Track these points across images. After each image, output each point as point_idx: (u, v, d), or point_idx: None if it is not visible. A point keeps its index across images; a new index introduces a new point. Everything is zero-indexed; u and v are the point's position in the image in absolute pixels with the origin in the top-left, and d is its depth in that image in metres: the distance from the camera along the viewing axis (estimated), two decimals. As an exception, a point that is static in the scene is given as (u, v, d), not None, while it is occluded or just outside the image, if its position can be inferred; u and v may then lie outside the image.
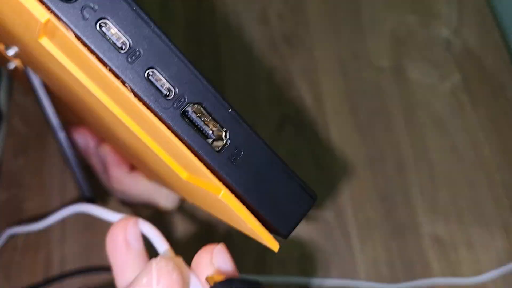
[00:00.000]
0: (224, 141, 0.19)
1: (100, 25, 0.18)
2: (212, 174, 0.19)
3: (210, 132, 0.19)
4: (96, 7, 0.18)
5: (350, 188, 0.52)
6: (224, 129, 0.19)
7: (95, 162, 0.38)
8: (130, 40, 0.18)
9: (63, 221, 0.50)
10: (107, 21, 0.18)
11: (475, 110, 0.56)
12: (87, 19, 0.18)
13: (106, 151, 0.35)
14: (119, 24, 0.18)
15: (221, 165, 0.19)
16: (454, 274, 0.48)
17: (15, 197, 0.52)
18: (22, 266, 0.48)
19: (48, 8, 0.18)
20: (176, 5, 0.63)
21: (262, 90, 0.58)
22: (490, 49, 0.60)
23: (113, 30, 0.18)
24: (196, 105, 0.18)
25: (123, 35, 0.18)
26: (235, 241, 0.49)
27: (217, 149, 0.19)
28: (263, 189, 0.19)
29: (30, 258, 0.49)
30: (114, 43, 0.18)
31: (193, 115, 0.18)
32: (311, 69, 0.59)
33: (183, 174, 0.21)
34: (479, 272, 0.48)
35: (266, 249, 0.47)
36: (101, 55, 0.18)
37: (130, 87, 0.18)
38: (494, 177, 0.53)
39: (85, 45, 0.18)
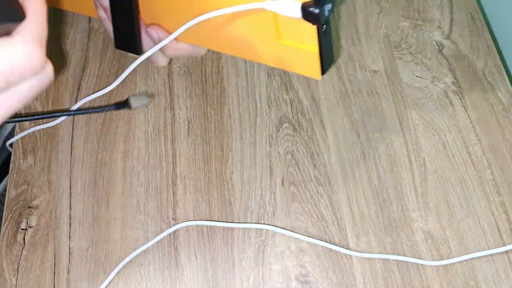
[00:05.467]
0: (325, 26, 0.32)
1: None
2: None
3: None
4: None
5: (345, 185, 0.54)
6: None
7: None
8: None
9: (70, 217, 0.52)
10: None
11: (466, 110, 0.58)
12: None
13: (156, 29, 0.40)
14: None
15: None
16: (446, 268, 0.50)
17: (23, 194, 0.53)
18: (29, 261, 0.50)
19: None
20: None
21: (262, 92, 0.60)
22: (481, 52, 0.62)
23: None
24: None
25: None
26: (235, 238, 0.51)
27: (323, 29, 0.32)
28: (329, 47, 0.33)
29: (38, 253, 0.50)
30: None
31: None
32: (309, 71, 0.61)
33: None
34: (471, 267, 0.49)
35: (265, 244, 0.49)
36: None
37: None
38: (485, 174, 0.54)
39: None
